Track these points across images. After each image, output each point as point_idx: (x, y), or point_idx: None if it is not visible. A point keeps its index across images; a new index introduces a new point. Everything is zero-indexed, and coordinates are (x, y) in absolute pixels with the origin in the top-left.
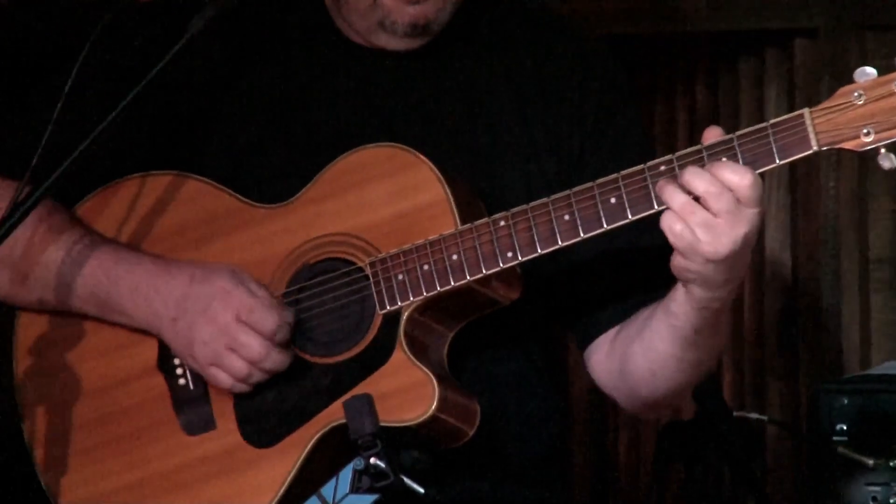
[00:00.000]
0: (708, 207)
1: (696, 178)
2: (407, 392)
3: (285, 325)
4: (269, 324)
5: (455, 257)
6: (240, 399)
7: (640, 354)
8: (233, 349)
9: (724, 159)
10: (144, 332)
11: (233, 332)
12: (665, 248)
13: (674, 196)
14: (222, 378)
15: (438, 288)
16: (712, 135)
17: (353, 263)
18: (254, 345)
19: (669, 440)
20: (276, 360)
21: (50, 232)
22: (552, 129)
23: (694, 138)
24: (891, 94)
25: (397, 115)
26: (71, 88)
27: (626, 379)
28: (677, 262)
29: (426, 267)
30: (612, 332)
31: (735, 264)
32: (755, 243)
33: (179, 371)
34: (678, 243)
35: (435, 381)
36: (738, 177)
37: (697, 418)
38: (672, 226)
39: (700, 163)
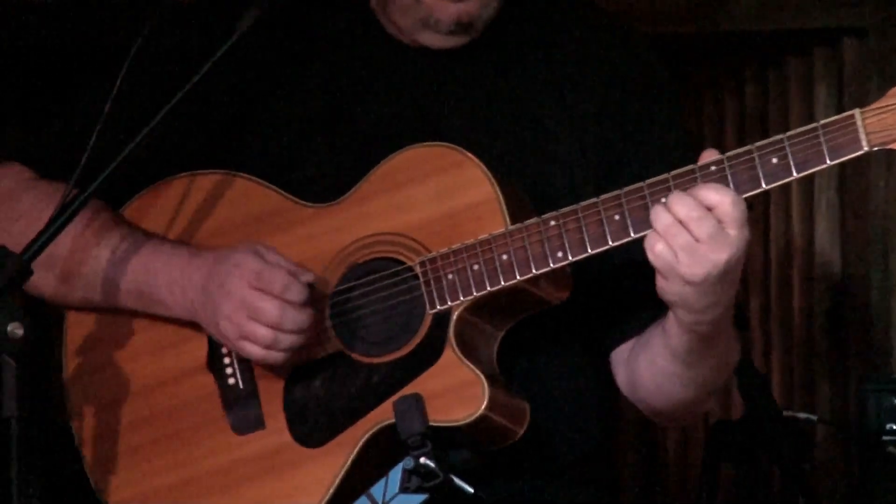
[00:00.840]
0: (690, 232)
1: (677, 203)
2: (456, 392)
3: (293, 282)
4: (276, 283)
5: (505, 257)
6: (289, 398)
7: (646, 368)
8: (252, 317)
9: (702, 182)
10: (193, 330)
11: (249, 301)
12: None
13: (659, 216)
14: (252, 349)
15: (489, 287)
16: (708, 155)
17: (403, 263)
18: (268, 307)
19: (719, 440)
20: (294, 318)
21: (96, 232)
22: (597, 128)
23: (743, 139)
24: None
25: (444, 115)
26: (118, 90)
27: (637, 390)
28: (658, 282)
29: (476, 266)
30: (632, 342)
31: (717, 289)
32: (742, 266)
33: (229, 370)
34: (657, 263)
35: (485, 381)
36: (718, 196)
37: (747, 418)
38: (653, 245)
39: (751, 163)
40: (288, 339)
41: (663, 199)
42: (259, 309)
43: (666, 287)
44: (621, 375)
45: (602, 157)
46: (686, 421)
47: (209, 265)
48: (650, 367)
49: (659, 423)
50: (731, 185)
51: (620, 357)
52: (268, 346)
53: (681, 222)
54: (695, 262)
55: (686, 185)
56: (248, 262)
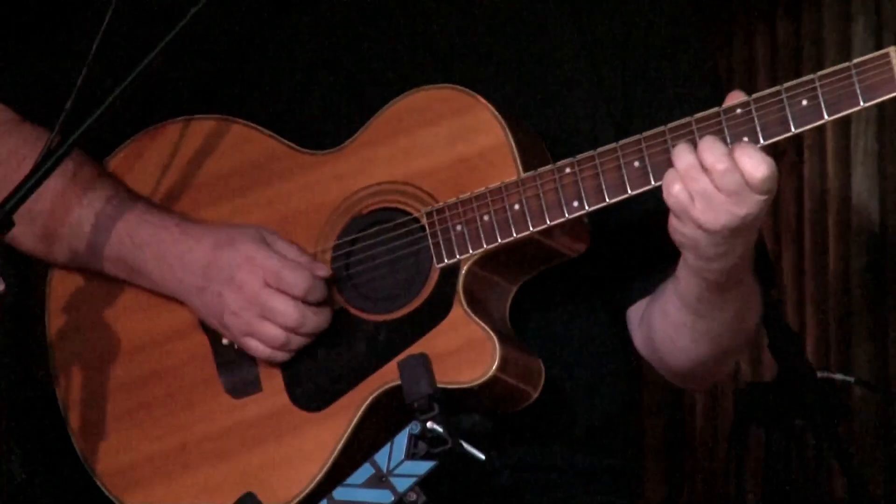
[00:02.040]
0: (713, 179)
1: (707, 149)
2: (466, 351)
3: (318, 284)
4: (299, 285)
5: (517, 207)
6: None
7: (659, 320)
8: (265, 317)
9: (746, 140)
10: None
11: (263, 300)
12: None
13: (682, 156)
14: (259, 348)
15: (499, 240)
16: (734, 97)
17: (408, 213)
18: (287, 310)
19: (749, 403)
20: (314, 322)
21: (77, 188)
22: (618, 69)
23: (776, 78)
24: None
25: (454, 55)
26: (107, 27)
27: (653, 346)
28: (671, 221)
29: (486, 217)
30: (647, 299)
31: (730, 241)
32: (759, 225)
33: None
34: (671, 202)
35: (496, 339)
36: (752, 165)
37: (779, 380)
38: (671, 185)
39: (779, 105)
40: (299, 341)
41: (689, 140)
42: (275, 310)
43: (678, 227)
44: (637, 335)
45: (623, 100)
46: (705, 383)
47: (208, 249)
48: (663, 319)
49: (680, 385)
50: (758, 127)
51: (636, 315)
52: (278, 348)
53: (705, 168)
54: (710, 209)
55: (711, 129)
56: (261, 256)
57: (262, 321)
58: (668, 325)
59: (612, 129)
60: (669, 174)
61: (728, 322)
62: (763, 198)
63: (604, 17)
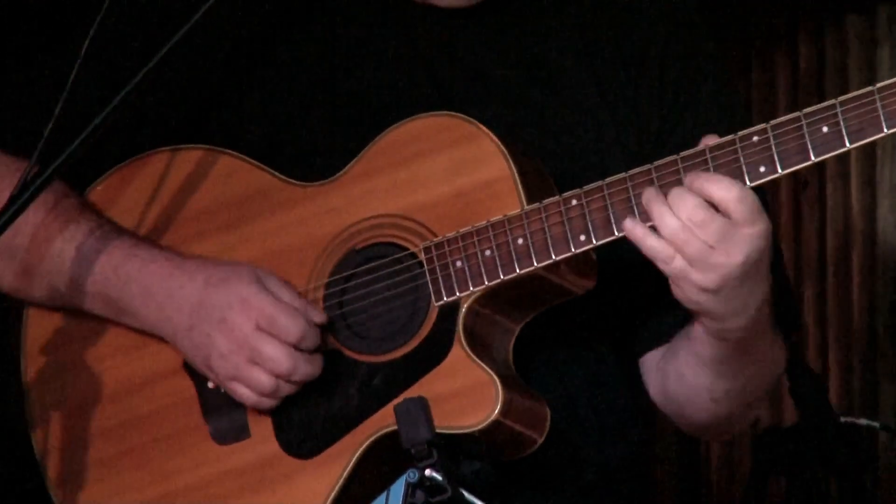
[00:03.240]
0: (698, 236)
1: (677, 203)
2: (466, 394)
3: (313, 330)
4: (293, 331)
5: (521, 241)
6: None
7: (674, 379)
8: (255, 362)
9: (701, 172)
10: None
11: (253, 344)
12: None
13: (664, 219)
14: (246, 393)
15: (502, 276)
16: (709, 140)
17: (406, 249)
18: (279, 356)
19: (768, 450)
20: (305, 370)
21: (58, 221)
22: (630, 95)
23: (797, 104)
24: None
25: (454, 81)
26: (87, 51)
27: (669, 402)
28: (672, 289)
29: (488, 252)
30: (663, 349)
31: (740, 292)
32: (767, 261)
33: None
34: (668, 272)
35: (498, 382)
36: (721, 192)
37: (800, 425)
38: (668, 259)
39: (798, 132)
40: (288, 389)
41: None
42: (266, 356)
43: (681, 296)
44: (652, 385)
45: (636, 127)
46: (725, 435)
47: (199, 287)
48: (679, 378)
49: (693, 435)
50: (776, 156)
51: (651, 364)
52: (265, 395)
53: (687, 224)
54: (708, 268)
55: (726, 157)
56: (256, 298)
57: (251, 366)
58: (686, 387)
59: (622, 159)
60: (659, 245)
61: (752, 377)
62: (751, 230)
63: (613, 40)
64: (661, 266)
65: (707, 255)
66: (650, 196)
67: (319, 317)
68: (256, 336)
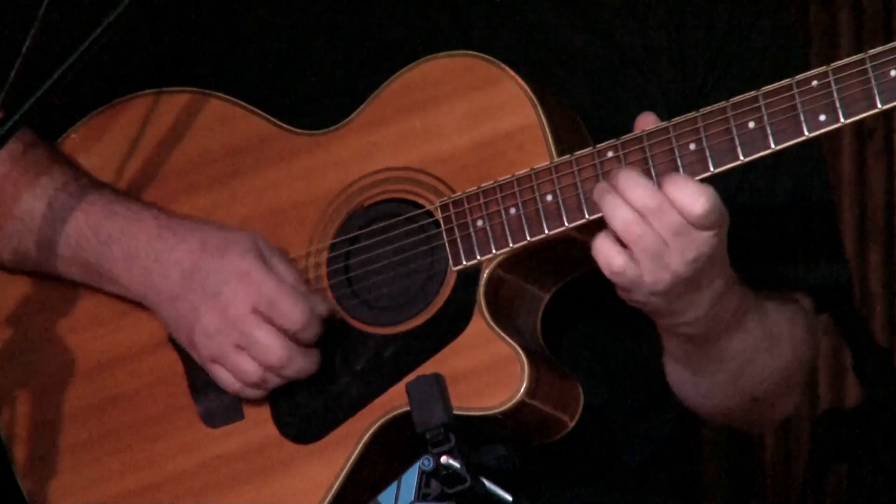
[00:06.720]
0: (650, 226)
1: (629, 188)
2: (488, 371)
3: (315, 321)
4: (293, 319)
5: (550, 198)
6: None
7: (667, 373)
8: (242, 347)
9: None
10: None
11: (245, 327)
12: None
13: (616, 210)
14: (228, 380)
15: (528, 237)
16: (646, 122)
17: (421, 206)
18: (272, 345)
19: (828, 434)
20: (300, 365)
21: (27, 174)
22: (676, 36)
23: (861, 45)
24: None
25: (475, 17)
26: None
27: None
28: (618, 292)
29: (513, 210)
30: None
31: (692, 290)
32: (722, 258)
33: None
34: (617, 279)
35: (524, 357)
36: (688, 199)
37: (864, 406)
38: (612, 258)
39: (863, 76)
40: (276, 382)
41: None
42: (258, 343)
43: (628, 297)
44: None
45: (682, 73)
46: (755, 427)
47: (193, 251)
48: (668, 375)
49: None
50: (838, 103)
51: None
52: (250, 385)
53: (640, 213)
54: (660, 267)
55: (781, 104)
56: (257, 275)
57: (237, 351)
58: (673, 382)
59: (665, 110)
60: (605, 243)
61: (737, 372)
62: (711, 233)
63: None
64: (609, 274)
65: (662, 251)
66: (599, 188)
67: (324, 307)
68: (251, 319)
